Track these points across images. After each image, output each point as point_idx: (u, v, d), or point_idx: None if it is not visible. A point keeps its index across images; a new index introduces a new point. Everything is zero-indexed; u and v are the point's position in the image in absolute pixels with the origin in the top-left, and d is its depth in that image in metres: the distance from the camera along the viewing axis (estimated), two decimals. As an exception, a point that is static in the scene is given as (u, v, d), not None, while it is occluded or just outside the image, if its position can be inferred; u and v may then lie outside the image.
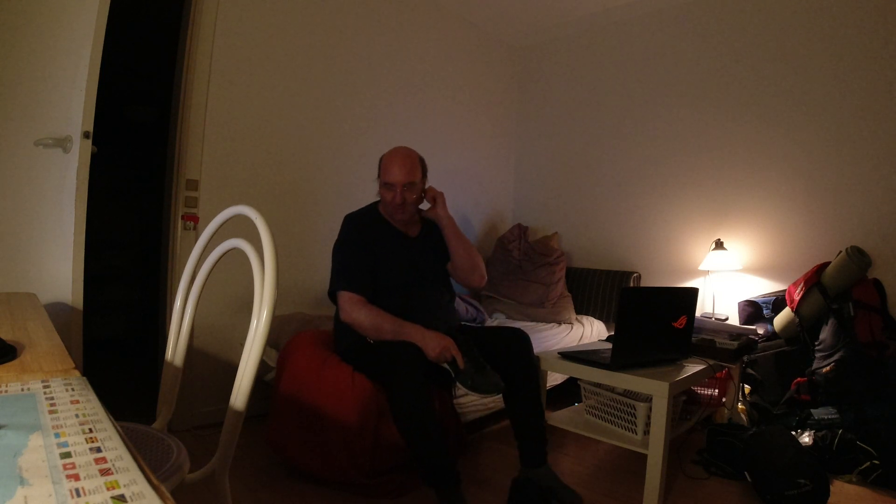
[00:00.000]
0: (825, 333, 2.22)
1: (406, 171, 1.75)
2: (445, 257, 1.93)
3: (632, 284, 3.11)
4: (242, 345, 0.91)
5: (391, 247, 1.82)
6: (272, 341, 2.19)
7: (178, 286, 1.14)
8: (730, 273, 2.83)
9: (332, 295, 1.78)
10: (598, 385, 1.93)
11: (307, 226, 2.62)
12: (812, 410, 2.09)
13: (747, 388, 2.45)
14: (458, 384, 1.60)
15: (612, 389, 1.89)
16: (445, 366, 1.63)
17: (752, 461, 1.78)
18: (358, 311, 1.69)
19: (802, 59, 2.65)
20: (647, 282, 3.17)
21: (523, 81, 3.91)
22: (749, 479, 1.79)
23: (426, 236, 1.92)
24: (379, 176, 1.82)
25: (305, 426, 1.71)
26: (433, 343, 1.61)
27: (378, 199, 1.91)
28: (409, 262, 1.84)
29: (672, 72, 3.12)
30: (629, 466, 1.98)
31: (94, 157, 1.61)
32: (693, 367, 1.85)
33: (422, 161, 1.83)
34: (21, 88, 1.58)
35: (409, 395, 1.51)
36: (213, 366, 2.28)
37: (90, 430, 0.46)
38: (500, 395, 1.77)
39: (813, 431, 2.01)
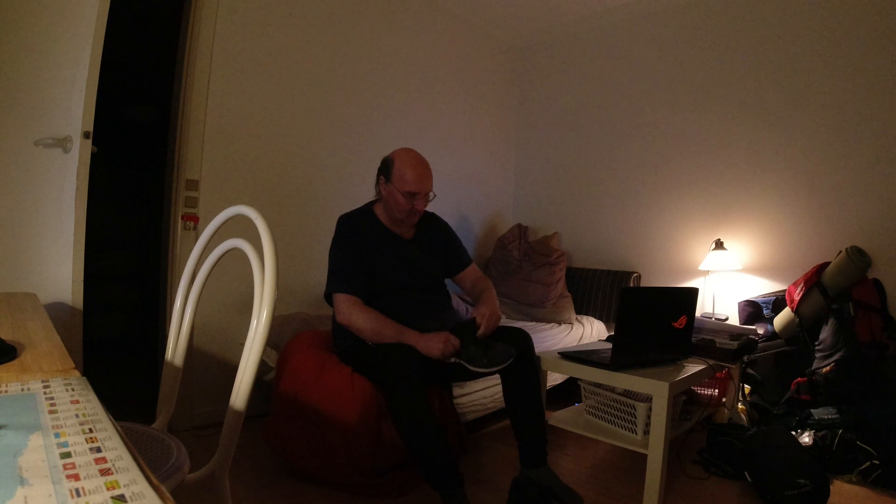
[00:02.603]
0: (825, 333, 2.22)
1: (429, 180, 1.77)
2: (441, 260, 1.94)
3: (632, 284, 3.11)
4: (242, 345, 0.91)
5: (387, 248, 1.82)
6: (272, 342, 2.19)
7: (178, 286, 1.14)
8: (730, 273, 2.83)
9: (329, 297, 1.78)
10: (598, 385, 1.93)
11: (307, 225, 2.62)
12: (812, 410, 2.09)
13: (747, 388, 2.45)
14: (476, 370, 1.57)
15: (612, 389, 1.89)
16: (454, 360, 1.62)
17: (752, 461, 1.78)
18: (356, 314, 1.68)
19: (802, 59, 2.65)
20: (647, 282, 3.17)
21: (523, 81, 3.91)
22: (749, 479, 1.79)
23: (421, 239, 1.91)
24: (389, 181, 1.76)
25: (306, 427, 1.71)
26: (434, 342, 1.60)
27: (374, 199, 1.91)
28: (405, 263, 1.83)
29: (672, 72, 3.12)
30: (629, 466, 1.98)
31: (94, 156, 1.61)
32: (693, 367, 1.85)
33: None
34: (21, 88, 1.58)
35: (405, 396, 1.51)
36: (213, 366, 2.28)
37: (90, 430, 0.46)
38: (502, 394, 1.78)
39: (813, 431, 2.01)
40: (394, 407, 1.54)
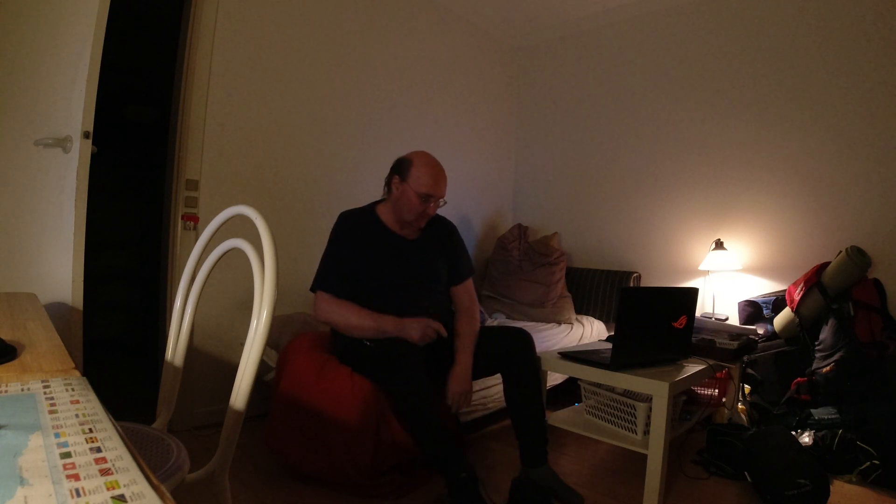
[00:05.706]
0: (825, 333, 2.22)
1: (444, 185, 1.79)
2: (445, 260, 1.92)
3: (632, 284, 3.11)
4: (242, 345, 0.91)
5: (386, 246, 1.82)
6: (272, 342, 2.19)
7: (178, 286, 1.14)
8: (730, 273, 2.83)
9: (314, 291, 1.82)
10: (598, 385, 1.92)
11: (307, 226, 2.62)
12: (812, 410, 2.09)
13: (747, 388, 2.45)
14: None
15: (612, 389, 1.89)
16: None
17: (752, 461, 1.78)
18: (331, 310, 1.73)
19: (802, 59, 2.65)
20: (647, 282, 3.17)
21: (523, 81, 3.90)
22: (749, 479, 1.79)
23: (425, 240, 1.89)
24: (405, 180, 1.75)
25: (306, 428, 1.71)
26: (412, 327, 1.64)
27: (377, 200, 1.91)
28: (405, 261, 1.83)
29: (672, 72, 3.12)
30: (629, 466, 1.98)
31: (94, 157, 1.61)
32: (693, 367, 1.85)
33: None
34: (21, 88, 1.58)
35: (413, 395, 1.54)
36: (213, 366, 2.28)
37: (90, 430, 0.46)
38: (502, 394, 1.78)
39: (813, 431, 2.01)
40: (404, 408, 1.58)
